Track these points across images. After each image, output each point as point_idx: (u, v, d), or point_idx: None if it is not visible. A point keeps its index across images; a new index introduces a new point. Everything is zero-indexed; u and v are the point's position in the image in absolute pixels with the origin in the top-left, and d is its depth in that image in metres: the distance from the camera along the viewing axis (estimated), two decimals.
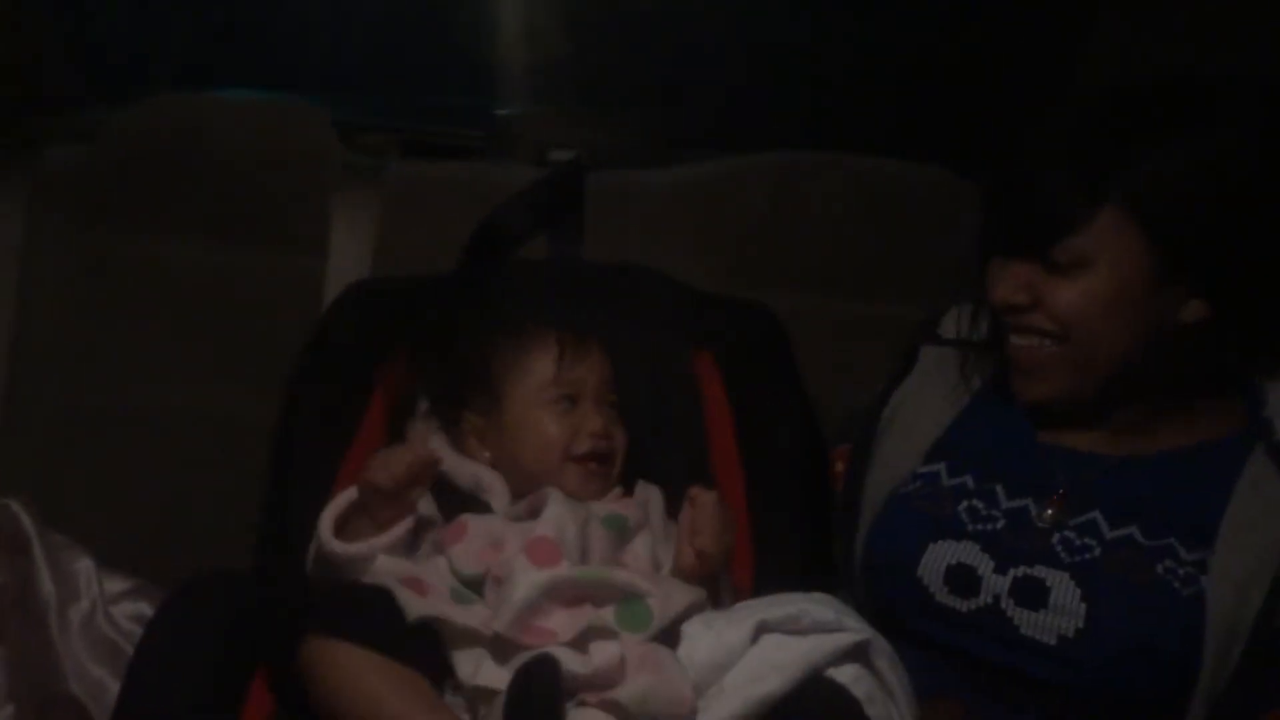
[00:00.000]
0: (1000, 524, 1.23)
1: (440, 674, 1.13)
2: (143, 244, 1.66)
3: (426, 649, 1.13)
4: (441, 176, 1.68)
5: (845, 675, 1.05)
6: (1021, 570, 1.20)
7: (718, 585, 1.21)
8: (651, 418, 1.35)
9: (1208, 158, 1.18)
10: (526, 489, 1.25)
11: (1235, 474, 1.21)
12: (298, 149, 1.67)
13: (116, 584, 1.42)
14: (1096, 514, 1.22)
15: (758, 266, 1.61)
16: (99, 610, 1.40)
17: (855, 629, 1.07)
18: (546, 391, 1.27)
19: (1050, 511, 1.23)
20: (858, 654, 1.06)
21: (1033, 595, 1.19)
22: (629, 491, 1.28)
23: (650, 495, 1.28)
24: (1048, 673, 1.18)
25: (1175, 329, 1.20)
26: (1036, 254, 1.20)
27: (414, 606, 1.14)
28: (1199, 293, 1.20)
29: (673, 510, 1.27)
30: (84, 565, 1.42)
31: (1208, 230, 1.18)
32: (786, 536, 1.28)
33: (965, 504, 1.25)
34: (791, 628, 1.07)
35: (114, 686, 1.26)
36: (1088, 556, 1.20)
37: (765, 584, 1.21)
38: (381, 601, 1.15)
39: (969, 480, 1.26)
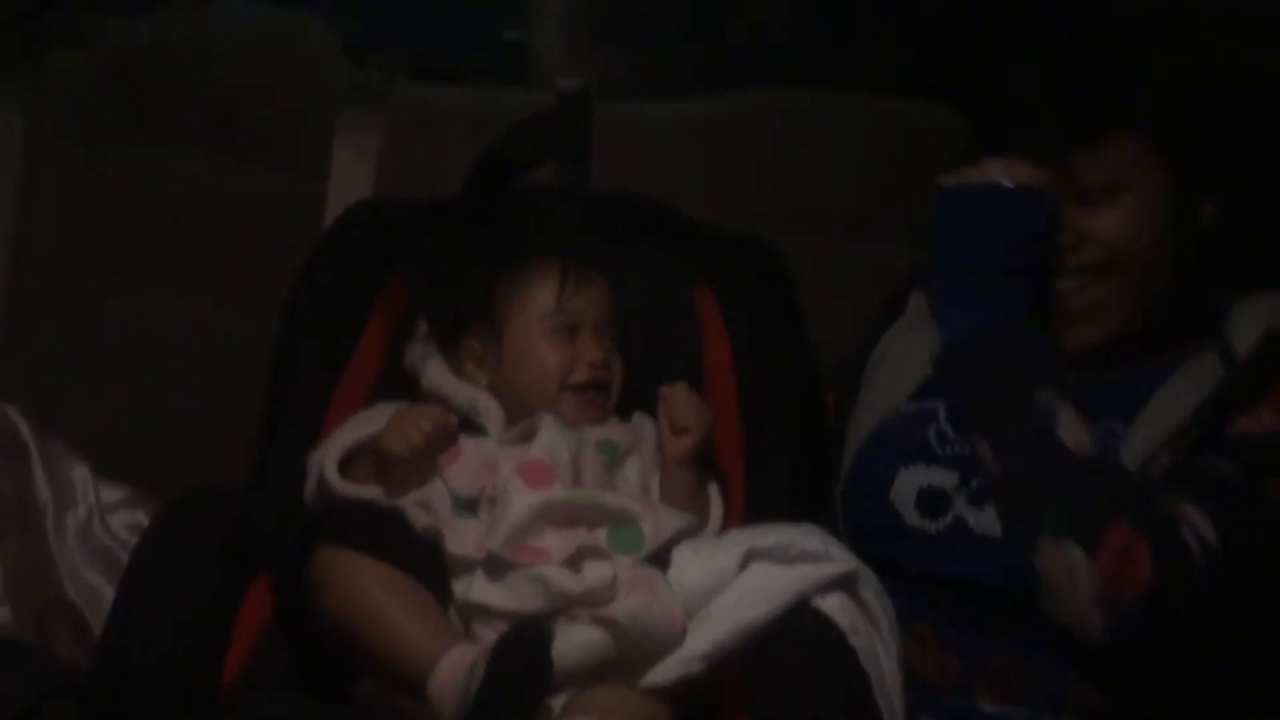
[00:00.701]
0: (968, 448, 1.28)
1: (443, 592, 1.18)
2: (143, 155, 1.68)
3: (433, 567, 1.17)
4: (448, 100, 1.71)
5: (830, 605, 1.09)
6: (980, 480, 1.25)
7: (704, 482, 1.25)
8: (649, 349, 1.38)
9: (1212, 65, 1.25)
10: (522, 415, 1.28)
11: (1180, 365, 1.26)
12: (304, 65, 1.69)
13: (113, 493, 1.46)
14: None
15: (761, 204, 1.64)
16: (95, 518, 1.43)
17: (842, 560, 1.12)
18: (547, 321, 1.30)
19: None
20: (844, 584, 1.11)
21: (984, 494, 1.24)
22: (626, 420, 1.32)
23: (644, 425, 1.32)
24: (1003, 577, 1.22)
25: (1197, 236, 1.25)
26: (1067, 191, 1.24)
27: (421, 520, 1.19)
28: (1212, 196, 1.25)
29: None
30: (80, 473, 1.45)
31: (1223, 134, 1.24)
32: (780, 469, 1.31)
33: (934, 428, 1.30)
34: (780, 557, 1.11)
35: (109, 592, 1.29)
36: None
37: (757, 514, 1.25)
38: (395, 518, 1.19)
39: (940, 410, 1.31)
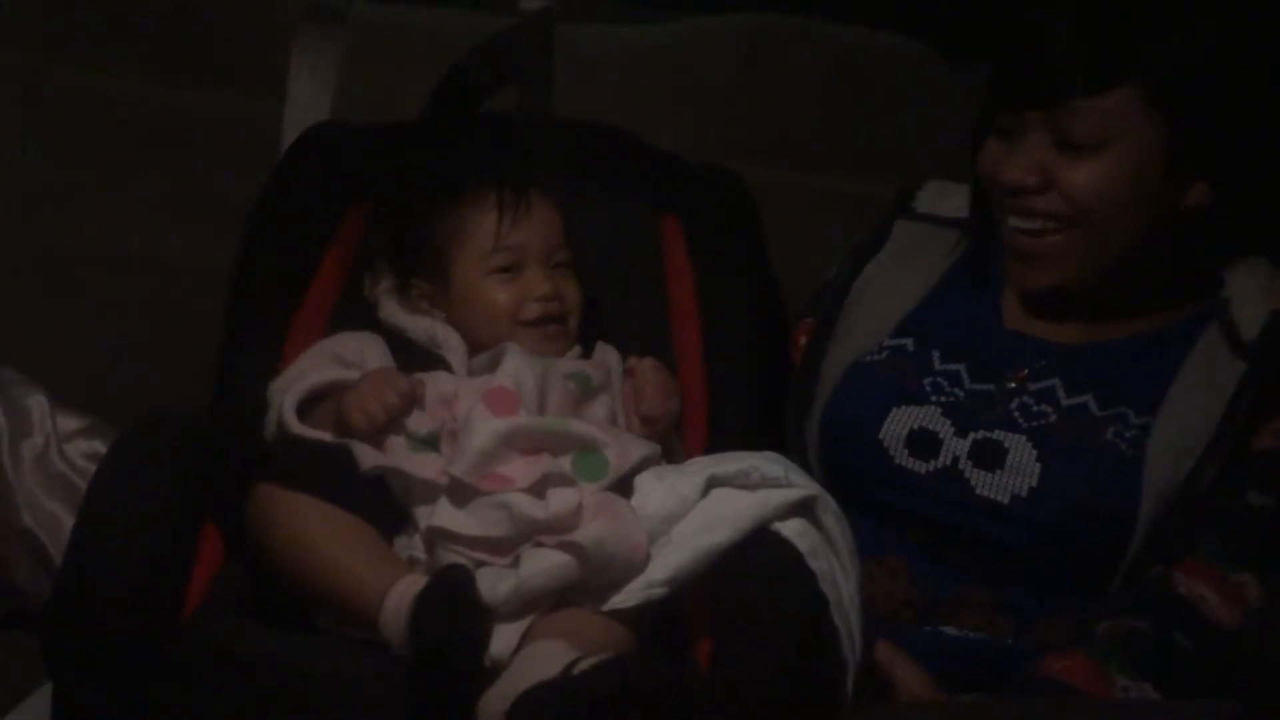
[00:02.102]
0: (962, 397, 1.34)
1: (393, 524, 1.22)
2: (93, 77, 1.69)
3: (378, 498, 1.21)
4: (408, 21, 1.72)
5: (790, 529, 1.14)
6: (981, 434, 1.31)
7: (671, 446, 1.30)
8: (612, 278, 1.41)
9: (1231, 40, 1.26)
10: (482, 346, 1.31)
11: (1189, 347, 1.31)
12: None
13: (71, 422, 1.47)
14: (1055, 381, 1.32)
15: (727, 132, 1.67)
16: (53, 446, 1.45)
17: (803, 485, 1.17)
18: (488, 260, 1.31)
19: (1013, 385, 1.33)
20: (803, 509, 1.16)
21: (991, 457, 1.30)
22: (588, 351, 1.36)
23: (609, 357, 1.36)
24: (998, 532, 1.29)
25: (1178, 213, 1.28)
26: (1052, 133, 1.26)
27: (369, 458, 1.22)
28: (1205, 176, 1.28)
29: None
30: (37, 401, 1.47)
31: (1228, 115, 1.26)
32: (741, 400, 1.36)
33: (930, 380, 1.34)
34: (741, 483, 1.16)
35: (68, 521, 1.30)
36: (1043, 422, 1.31)
37: (718, 445, 1.29)
38: (335, 454, 1.23)
39: (935, 357, 1.35)
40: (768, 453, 1.20)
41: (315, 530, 1.17)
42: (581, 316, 1.35)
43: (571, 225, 1.37)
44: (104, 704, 1.15)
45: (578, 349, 1.35)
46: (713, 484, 1.17)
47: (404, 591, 1.13)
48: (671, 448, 1.30)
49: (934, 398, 1.34)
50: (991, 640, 1.30)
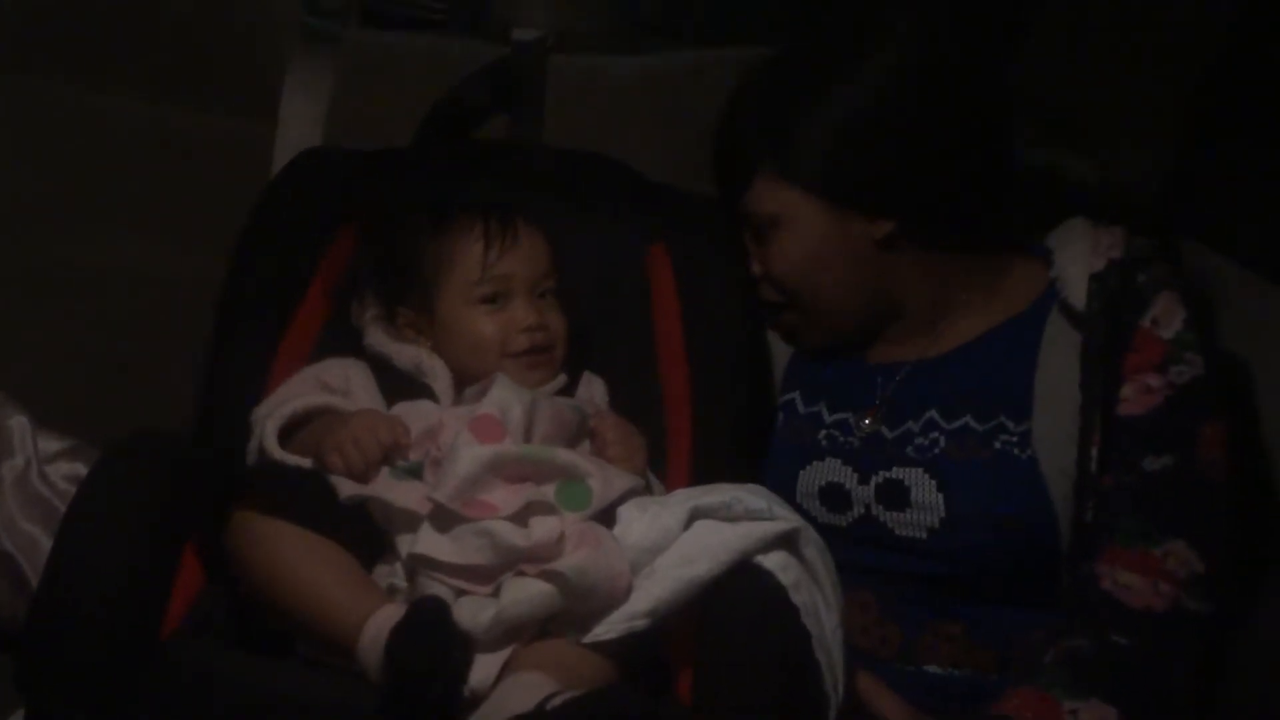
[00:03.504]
0: (857, 444, 1.38)
1: (374, 551, 1.22)
2: (85, 97, 1.70)
3: (358, 526, 1.21)
4: (401, 48, 1.73)
5: (773, 562, 1.15)
6: (881, 475, 1.34)
7: (647, 483, 1.30)
8: (599, 307, 1.42)
9: (831, 109, 1.34)
10: (469, 376, 1.32)
11: (1039, 336, 1.35)
12: (253, 7, 1.72)
13: (52, 443, 1.47)
14: (934, 412, 1.36)
15: None
16: (33, 468, 1.45)
17: (785, 518, 1.18)
18: (474, 290, 1.32)
19: (868, 421, 1.38)
20: (786, 542, 1.17)
21: (896, 497, 1.33)
22: (575, 380, 1.37)
23: (595, 390, 1.37)
24: (930, 568, 1.32)
25: (880, 245, 1.35)
26: (745, 229, 1.38)
27: (348, 487, 1.22)
28: (878, 215, 1.34)
29: (616, 403, 1.37)
30: (18, 422, 1.47)
31: (850, 170, 1.34)
32: (725, 431, 1.37)
33: (824, 433, 1.39)
34: (724, 514, 1.17)
35: (47, 544, 1.28)
36: (936, 451, 1.34)
37: (702, 476, 1.30)
38: (316, 480, 1.23)
39: (823, 411, 1.40)
40: (751, 485, 1.21)
41: (294, 558, 1.17)
42: (567, 345, 1.36)
43: (560, 253, 1.38)
44: None
45: (562, 378, 1.36)
46: (695, 515, 1.18)
47: (382, 621, 1.13)
48: (647, 484, 1.30)
49: (832, 450, 1.38)
50: (975, 676, 1.30)
